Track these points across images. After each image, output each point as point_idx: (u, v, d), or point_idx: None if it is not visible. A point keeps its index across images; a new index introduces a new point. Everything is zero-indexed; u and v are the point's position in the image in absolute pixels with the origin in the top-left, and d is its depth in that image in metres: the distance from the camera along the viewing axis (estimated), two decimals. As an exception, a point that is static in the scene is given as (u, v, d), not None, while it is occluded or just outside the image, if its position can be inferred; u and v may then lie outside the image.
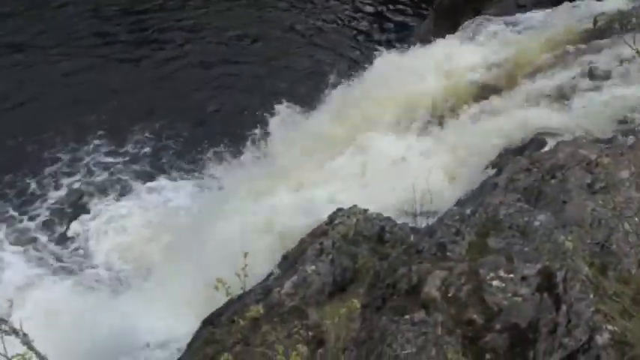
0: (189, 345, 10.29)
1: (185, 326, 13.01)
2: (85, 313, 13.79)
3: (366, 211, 9.26)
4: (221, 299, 11.39)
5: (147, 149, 19.23)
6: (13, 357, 4.12)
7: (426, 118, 14.84)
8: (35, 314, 13.54)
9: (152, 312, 13.88)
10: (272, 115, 16.62)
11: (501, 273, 5.89)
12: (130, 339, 13.65)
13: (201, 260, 13.80)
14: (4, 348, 4.12)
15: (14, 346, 4.42)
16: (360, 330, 6.47)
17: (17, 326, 4.29)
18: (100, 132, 19.56)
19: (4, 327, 4.16)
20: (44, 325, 13.20)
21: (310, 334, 6.33)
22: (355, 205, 9.39)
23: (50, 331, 11.80)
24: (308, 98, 17.13)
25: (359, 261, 8.39)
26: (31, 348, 4.24)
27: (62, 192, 18.23)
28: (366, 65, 16.97)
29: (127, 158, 19.04)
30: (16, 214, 17.68)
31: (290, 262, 9.09)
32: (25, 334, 4.28)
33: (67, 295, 15.44)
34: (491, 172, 11.93)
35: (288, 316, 7.06)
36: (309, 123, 15.99)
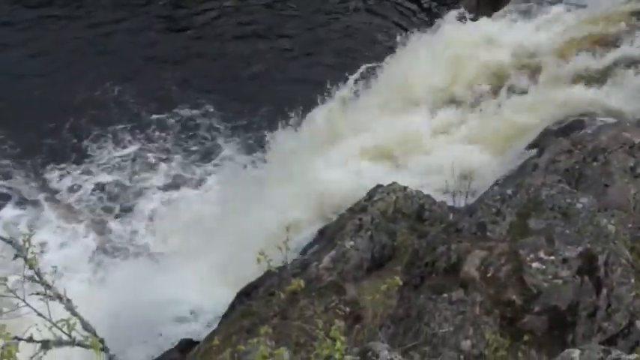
0: (225, 316, 10.37)
1: (219, 298, 13.16)
2: (124, 283, 13.97)
3: (405, 188, 9.23)
4: (255, 272, 11.52)
5: (201, 121, 19.33)
6: (57, 322, 4.19)
7: (471, 94, 14.73)
8: (76, 284, 13.77)
9: (188, 283, 14.01)
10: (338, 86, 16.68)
11: (542, 255, 5.86)
12: (166, 310, 13.81)
13: (238, 233, 13.89)
14: (49, 313, 4.19)
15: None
16: (398, 307, 6.49)
17: (61, 292, 4.36)
18: (154, 105, 19.67)
19: (48, 292, 4.23)
20: (86, 294, 13.44)
21: (347, 309, 6.35)
22: (395, 182, 9.36)
23: (91, 300, 11.99)
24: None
25: (397, 238, 8.37)
26: (74, 314, 4.30)
27: (114, 162, 18.40)
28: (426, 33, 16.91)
29: (178, 130, 19.15)
30: (66, 182, 17.90)
31: (328, 236, 9.11)
32: (68, 300, 4.36)
33: (108, 265, 15.65)
34: (532, 152, 11.81)
35: (326, 291, 7.07)
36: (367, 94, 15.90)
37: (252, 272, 11.63)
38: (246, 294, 10.58)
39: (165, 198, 17.41)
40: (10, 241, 4.49)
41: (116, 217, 17.08)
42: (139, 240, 16.51)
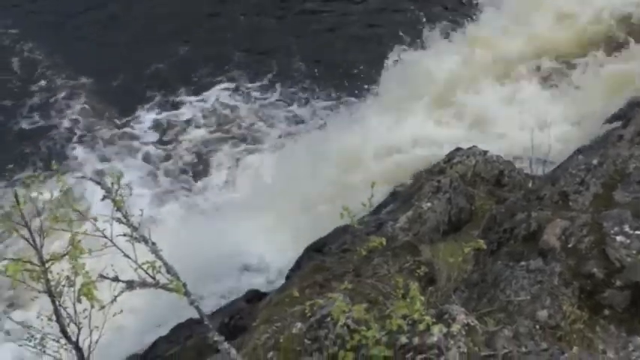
0: (293, 270, 10.45)
1: (284, 252, 13.29)
2: (195, 234, 14.19)
3: (485, 152, 9.11)
4: (323, 227, 11.59)
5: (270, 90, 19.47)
6: (142, 264, 4.26)
7: (553, 63, 14.45)
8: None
9: (255, 237, 14.18)
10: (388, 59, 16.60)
11: (626, 228, 5.70)
12: (234, 261, 14.03)
13: (306, 188, 13.98)
14: (135, 255, 4.25)
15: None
16: (473, 272, 6.43)
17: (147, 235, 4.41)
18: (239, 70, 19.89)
19: (135, 235, 4.29)
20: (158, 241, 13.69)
21: (422, 270, 6.31)
22: (475, 146, 9.25)
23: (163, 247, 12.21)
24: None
25: (475, 202, 8.29)
26: (159, 257, 4.36)
27: (190, 123, 18.70)
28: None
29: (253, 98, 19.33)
30: (146, 139, 18.27)
31: (404, 197, 9.06)
32: (153, 243, 4.41)
33: (182, 216, 15.94)
34: (616, 123, 11.51)
35: (401, 251, 7.04)
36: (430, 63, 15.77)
37: (321, 227, 11.75)
38: (314, 249, 10.63)
39: (239, 154, 17.64)
40: (98, 183, 4.57)
41: (194, 170, 17.40)
42: (212, 193, 16.79)
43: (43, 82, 19.96)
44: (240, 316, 10.49)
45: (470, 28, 16.47)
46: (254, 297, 11.85)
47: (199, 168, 17.60)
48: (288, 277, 10.52)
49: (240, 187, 16.67)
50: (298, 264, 10.54)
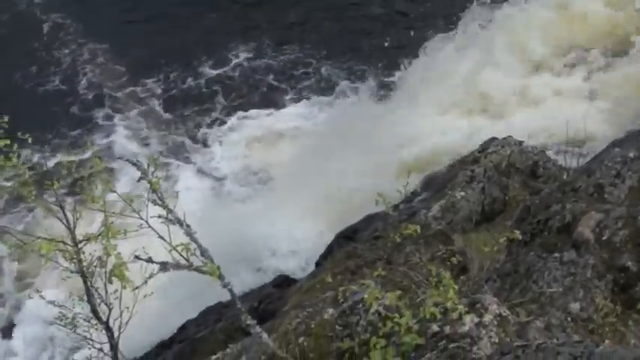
0: (323, 256, 10.46)
1: (315, 239, 13.32)
2: (227, 218, 14.26)
3: (521, 142, 9.04)
4: (353, 215, 11.59)
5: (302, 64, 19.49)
6: (177, 246, 4.27)
7: (591, 53, 14.30)
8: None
9: (286, 223, 14.23)
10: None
11: (663, 222, 5.65)
12: (265, 246, 14.09)
13: (338, 176, 13.97)
14: (170, 237, 4.26)
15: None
16: (505, 262, 6.39)
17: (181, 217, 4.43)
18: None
19: (170, 216, 4.30)
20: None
21: (454, 259, 6.28)
22: (510, 136, 9.18)
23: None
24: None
25: (509, 193, 8.23)
26: (193, 239, 4.37)
27: (214, 103, 18.77)
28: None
29: (280, 70, 19.33)
30: (182, 120, 18.41)
31: (437, 185, 9.02)
32: (188, 226, 4.42)
33: (210, 200, 16.02)
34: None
35: (433, 240, 7.03)
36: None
37: (351, 215, 11.77)
38: (345, 236, 10.64)
39: (275, 131, 17.68)
40: (135, 164, 4.59)
41: (228, 155, 17.51)
42: (244, 176, 16.87)
43: (77, 51, 20.09)
44: (269, 300, 10.55)
45: (506, 15, 16.28)
46: (283, 282, 11.91)
47: (233, 152, 17.65)
48: (317, 264, 10.54)
49: (274, 173, 16.72)
50: (329, 250, 10.55)
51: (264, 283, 12.76)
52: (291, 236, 14.19)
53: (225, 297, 11.65)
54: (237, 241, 13.30)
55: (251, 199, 15.99)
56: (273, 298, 10.75)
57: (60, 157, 16.49)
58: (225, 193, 16.67)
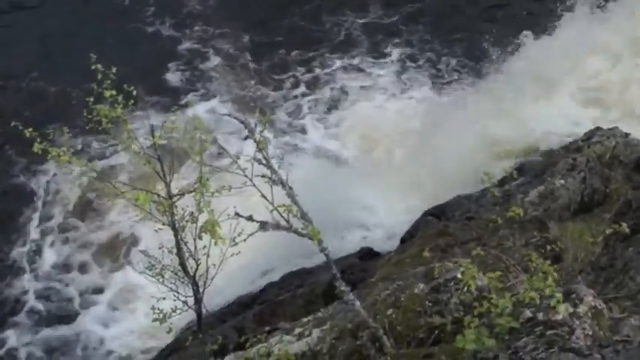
0: (410, 233, 10.42)
1: (402, 214, 13.27)
2: (320, 184, 14.30)
3: (627, 135, 8.78)
4: (441, 194, 11.49)
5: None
6: (278, 206, 4.29)
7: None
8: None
9: (377, 196, 14.22)
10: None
11: None
12: (353, 216, 14.11)
13: (436, 160, 13.89)
14: (273, 197, 4.29)
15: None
16: (601, 255, 6.25)
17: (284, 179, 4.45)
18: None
19: (274, 177, 4.32)
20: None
21: (548, 247, 6.16)
22: (616, 127, 8.93)
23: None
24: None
25: (611, 185, 8.02)
26: (294, 202, 4.39)
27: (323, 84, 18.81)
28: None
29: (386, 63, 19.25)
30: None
31: (536, 171, 8.85)
32: (290, 188, 4.43)
33: (313, 165, 16.13)
34: None
35: (529, 226, 6.91)
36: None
37: (441, 192, 11.69)
38: (432, 214, 10.57)
39: (371, 110, 17.65)
40: (242, 122, 4.63)
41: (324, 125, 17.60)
42: (340, 148, 16.92)
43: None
44: (351, 271, 10.56)
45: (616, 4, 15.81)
46: (366, 254, 11.92)
47: (341, 123, 17.70)
48: (403, 240, 10.51)
49: (377, 148, 16.68)
50: (415, 227, 10.51)
51: (347, 253, 12.77)
52: (378, 210, 14.18)
53: (313, 262, 11.77)
54: (328, 208, 13.33)
55: (350, 170, 16.02)
56: (355, 269, 10.77)
57: (162, 115, 16.77)
58: (326, 161, 16.72)
